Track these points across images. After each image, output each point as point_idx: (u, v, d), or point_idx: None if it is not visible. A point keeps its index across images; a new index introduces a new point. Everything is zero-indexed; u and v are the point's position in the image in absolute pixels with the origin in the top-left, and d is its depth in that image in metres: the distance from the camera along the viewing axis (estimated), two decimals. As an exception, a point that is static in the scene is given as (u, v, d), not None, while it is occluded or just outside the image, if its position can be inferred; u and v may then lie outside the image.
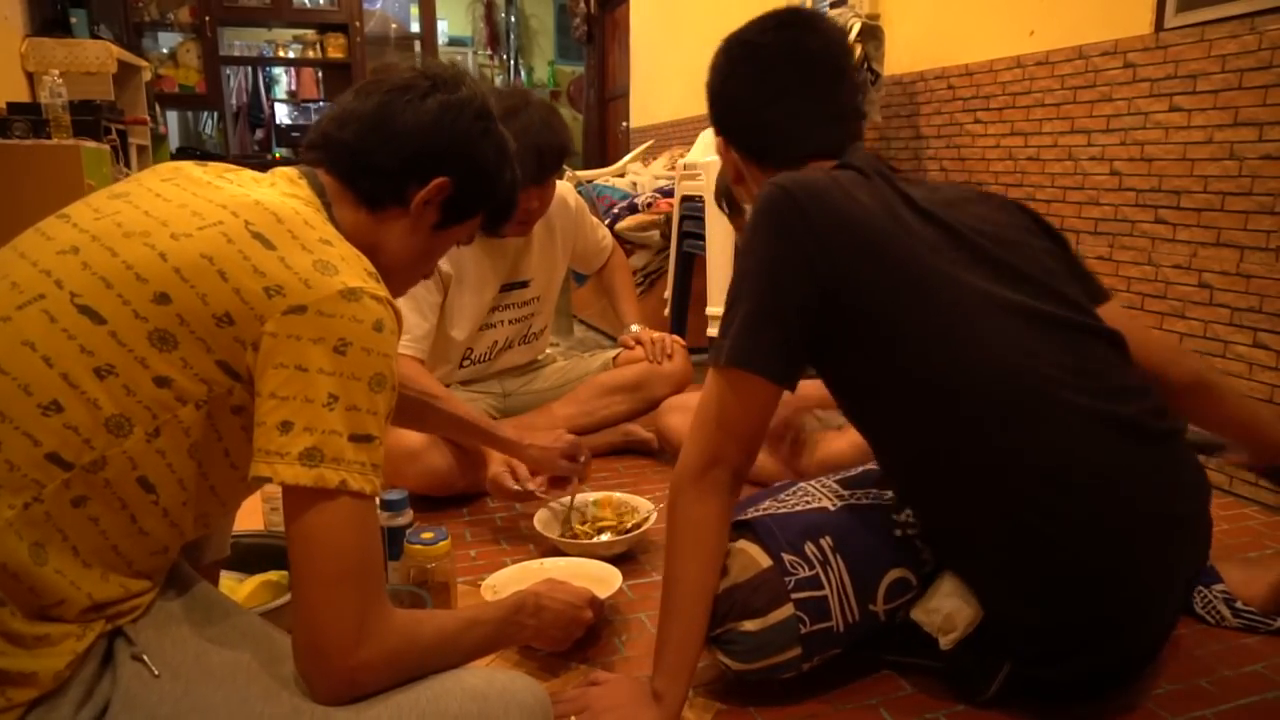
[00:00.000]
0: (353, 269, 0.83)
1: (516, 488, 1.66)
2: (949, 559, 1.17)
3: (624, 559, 1.60)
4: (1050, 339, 1.06)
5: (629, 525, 1.65)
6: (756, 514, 1.20)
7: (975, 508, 1.08)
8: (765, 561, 1.13)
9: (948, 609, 1.13)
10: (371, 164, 0.97)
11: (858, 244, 1.07)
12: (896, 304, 1.06)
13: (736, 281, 1.10)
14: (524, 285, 2.15)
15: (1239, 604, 1.38)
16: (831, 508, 1.21)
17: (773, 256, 1.07)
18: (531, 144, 1.80)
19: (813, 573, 1.13)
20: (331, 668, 0.78)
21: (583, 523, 1.68)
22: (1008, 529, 1.06)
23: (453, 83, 1.01)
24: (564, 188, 2.22)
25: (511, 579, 1.39)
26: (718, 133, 1.26)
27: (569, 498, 1.70)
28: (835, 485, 1.26)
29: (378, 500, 1.35)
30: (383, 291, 0.84)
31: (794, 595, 1.11)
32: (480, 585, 1.38)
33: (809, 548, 1.15)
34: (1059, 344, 1.06)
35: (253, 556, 1.31)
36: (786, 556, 1.13)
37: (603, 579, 1.38)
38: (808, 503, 1.22)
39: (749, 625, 1.12)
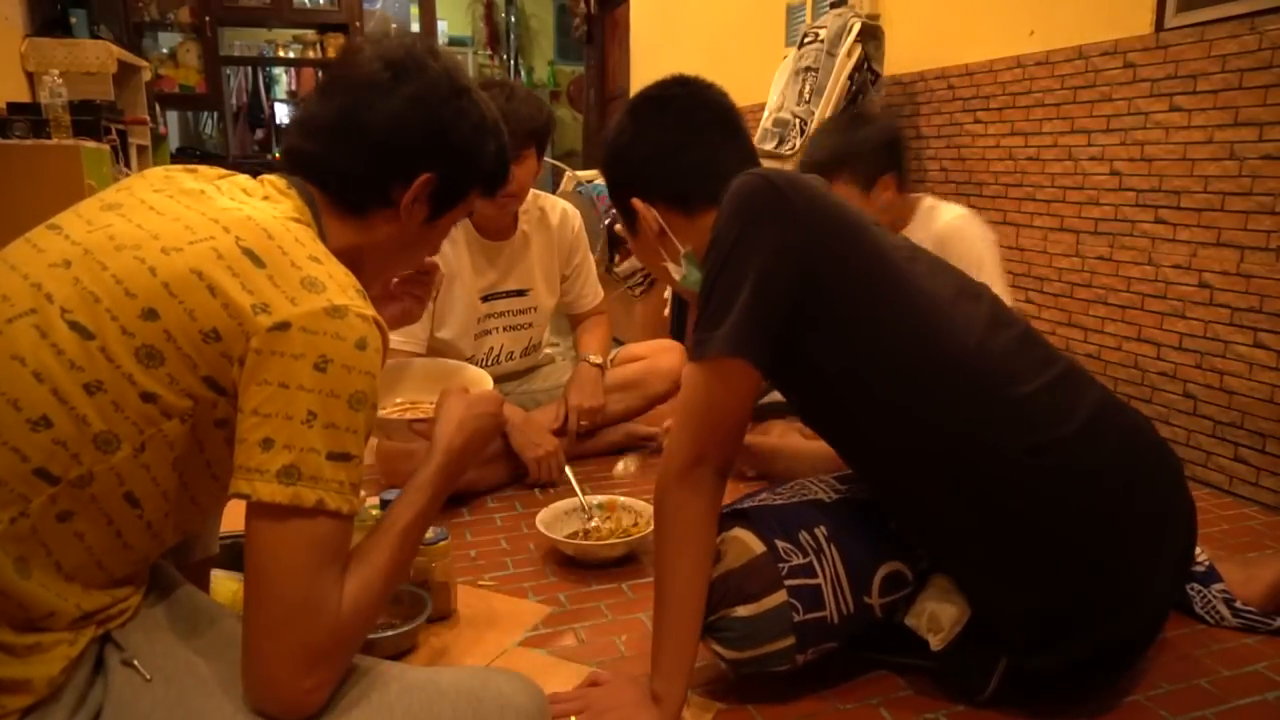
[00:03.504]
0: (340, 286, 0.82)
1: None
2: (933, 551, 1.18)
3: (625, 561, 1.60)
4: (1000, 331, 1.11)
5: (629, 528, 1.65)
6: (753, 504, 1.21)
7: (948, 492, 1.09)
8: (759, 548, 1.14)
9: (931, 609, 1.15)
10: (347, 173, 0.94)
11: (834, 230, 1.11)
12: (870, 289, 1.10)
13: (717, 270, 1.09)
14: (522, 294, 2.15)
15: (1239, 604, 1.38)
16: (828, 500, 1.22)
17: (759, 242, 1.08)
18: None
19: (806, 560, 1.14)
20: (279, 699, 0.77)
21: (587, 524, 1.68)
22: (982, 511, 1.07)
23: (416, 68, 0.95)
24: (570, 210, 2.22)
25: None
26: (631, 194, 1.23)
27: (578, 496, 1.70)
28: (833, 480, 1.27)
29: (378, 500, 1.38)
30: (369, 310, 0.83)
31: (787, 582, 1.12)
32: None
33: (803, 536, 1.16)
34: (1010, 336, 1.12)
35: (252, 556, 1.31)
36: (780, 543, 1.14)
37: (476, 380, 1.34)
38: (804, 495, 1.23)
39: (742, 611, 1.12)
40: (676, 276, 1.22)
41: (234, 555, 1.25)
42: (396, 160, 0.95)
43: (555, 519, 1.68)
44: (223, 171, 0.94)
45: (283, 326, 0.78)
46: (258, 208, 0.87)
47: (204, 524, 1.06)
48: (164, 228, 0.82)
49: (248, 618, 0.77)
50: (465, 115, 0.98)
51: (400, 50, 0.96)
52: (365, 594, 0.83)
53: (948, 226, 1.88)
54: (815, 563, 1.14)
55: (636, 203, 1.22)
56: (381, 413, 1.28)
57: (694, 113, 1.23)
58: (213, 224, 0.82)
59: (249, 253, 0.80)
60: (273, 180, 0.93)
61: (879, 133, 1.93)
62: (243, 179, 0.93)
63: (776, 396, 1.90)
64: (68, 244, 0.81)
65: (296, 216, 0.89)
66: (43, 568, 0.75)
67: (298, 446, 0.76)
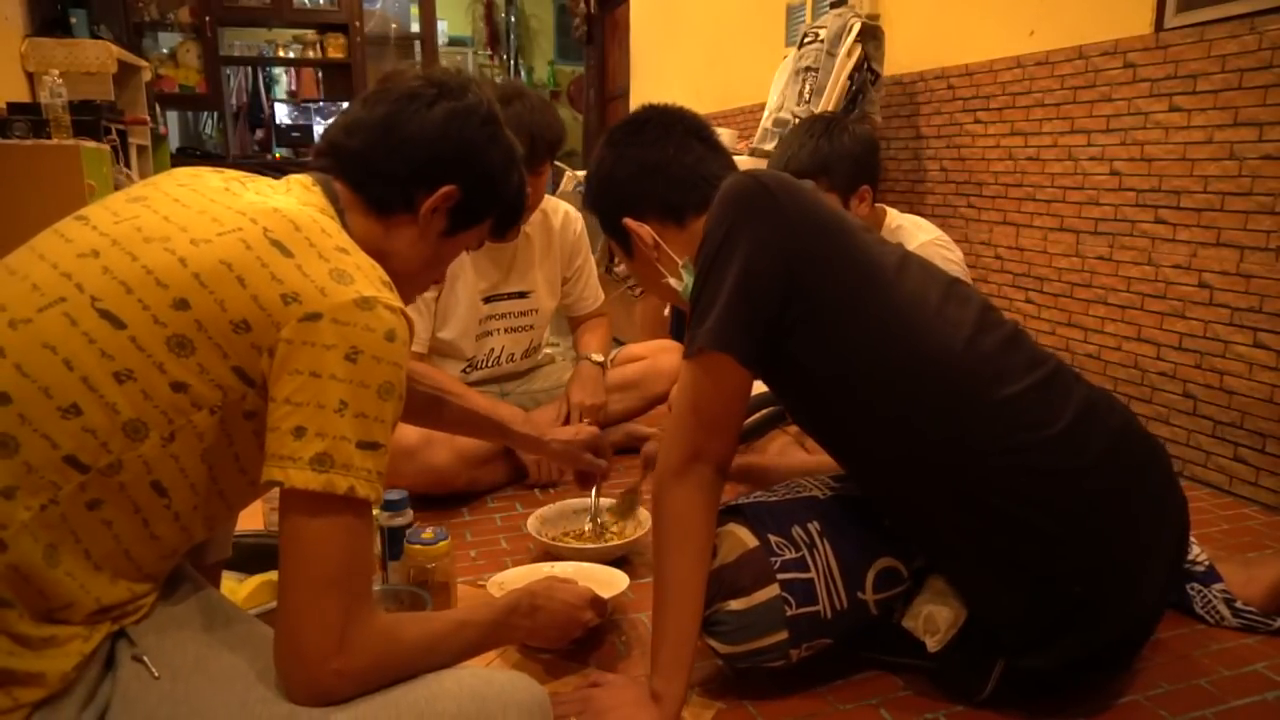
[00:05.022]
0: (368, 278, 0.84)
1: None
2: (928, 552, 1.18)
3: (622, 562, 1.60)
4: (988, 333, 1.11)
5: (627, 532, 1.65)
6: (748, 501, 1.22)
7: (939, 493, 1.10)
8: (752, 542, 1.15)
9: (928, 611, 1.15)
10: (379, 171, 0.98)
11: (822, 232, 1.12)
12: (856, 292, 1.10)
13: (706, 268, 1.11)
14: (523, 295, 2.15)
15: (1239, 604, 1.38)
16: (821, 497, 1.23)
17: (745, 239, 1.09)
18: (524, 130, 1.82)
19: (798, 555, 1.15)
20: (308, 673, 0.79)
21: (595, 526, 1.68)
22: (973, 511, 1.08)
23: (459, 89, 1.01)
24: (572, 213, 2.22)
25: (519, 578, 1.39)
26: (621, 214, 1.24)
27: (594, 495, 1.69)
28: (828, 479, 1.28)
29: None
30: (396, 301, 0.85)
31: (779, 576, 1.13)
32: (486, 582, 1.38)
33: (796, 531, 1.17)
34: (997, 337, 1.12)
35: (253, 557, 1.32)
36: (773, 538, 1.15)
37: (607, 581, 1.38)
38: (798, 493, 1.24)
39: (734, 604, 1.13)
40: (678, 288, 1.23)
41: (241, 555, 1.26)
42: (425, 167, 0.99)
43: (557, 517, 1.68)
44: (250, 174, 0.97)
45: (314, 317, 0.80)
46: (283, 200, 0.90)
47: (230, 519, 1.07)
48: (191, 220, 0.84)
49: (282, 598, 0.79)
50: (497, 142, 1.04)
51: (446, 74, 1.04)
52: (400, 627, 0.86)
53: (918, 250, 1.85)
54: (808, 557, 1.15)
55: (629, 222, 1.24)
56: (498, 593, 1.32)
57: (671, 126, 1.25)
58: (239, 216, 0.84)
59: (277, 244, 0.83)
60: (298, 178, 0.97)
61: (860, 141, 1.89)
62: (267, 178, 0.97)
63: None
64: (95, 234, 0.83)
65: (321, 209, 0.92)
66: (72, 555, 0.77)
67: (330, 434, 0.78)
